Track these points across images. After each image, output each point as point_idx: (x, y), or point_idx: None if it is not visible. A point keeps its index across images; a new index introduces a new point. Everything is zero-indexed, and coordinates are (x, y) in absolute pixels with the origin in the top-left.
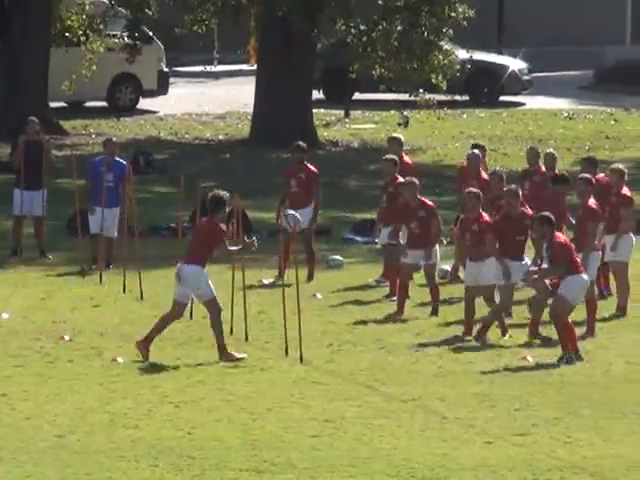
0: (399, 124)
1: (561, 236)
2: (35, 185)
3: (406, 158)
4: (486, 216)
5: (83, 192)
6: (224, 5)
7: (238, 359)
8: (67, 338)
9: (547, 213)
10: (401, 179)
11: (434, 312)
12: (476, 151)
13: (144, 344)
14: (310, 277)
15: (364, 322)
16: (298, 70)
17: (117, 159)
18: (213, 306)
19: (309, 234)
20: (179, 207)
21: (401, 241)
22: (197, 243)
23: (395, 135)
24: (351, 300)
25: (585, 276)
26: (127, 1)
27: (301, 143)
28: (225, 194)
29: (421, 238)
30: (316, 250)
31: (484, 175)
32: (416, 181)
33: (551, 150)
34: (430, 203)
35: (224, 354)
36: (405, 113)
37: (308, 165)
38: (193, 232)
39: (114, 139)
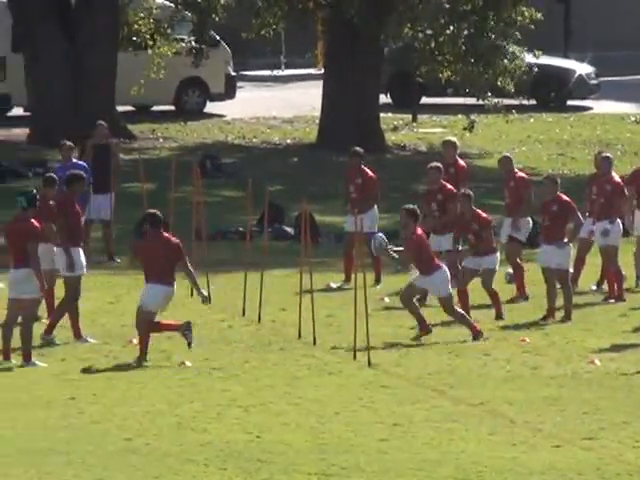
0: (465, 128)
1: None
2: (103, 189)
3: (461, 162)
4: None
5: (151, 195)
6: (291, 9)
7: None
8: (135, 342)
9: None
10: (449, 186)
11: (498, 316)
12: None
13: None
14: (377, 281)
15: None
16: (365, 74)
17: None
18: None
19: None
20: (248, 211)
21: (459, 247)
22: None
23: (450, 138)
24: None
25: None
26: (194, 5)
27: (357, 148)
28: None
29: (478, 247)
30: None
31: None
32: (471, 193)
33: (606, 154)
34: (484, 216)
35: None
36: (472, 117)
37: (366, 170)
38: None
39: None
